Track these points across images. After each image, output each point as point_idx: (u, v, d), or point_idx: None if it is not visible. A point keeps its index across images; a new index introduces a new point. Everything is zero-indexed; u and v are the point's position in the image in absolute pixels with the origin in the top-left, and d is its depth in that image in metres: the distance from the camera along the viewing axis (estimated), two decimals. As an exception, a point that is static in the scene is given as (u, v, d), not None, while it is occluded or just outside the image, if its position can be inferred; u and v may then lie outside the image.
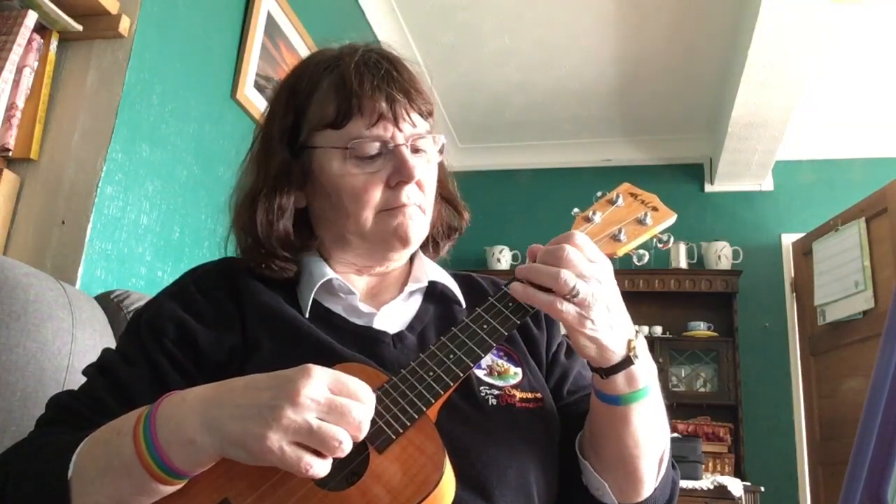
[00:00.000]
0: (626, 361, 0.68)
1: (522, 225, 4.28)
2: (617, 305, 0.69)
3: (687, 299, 3.95)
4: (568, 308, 0.65)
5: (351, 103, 0.79)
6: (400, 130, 0.80)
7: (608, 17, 3.15)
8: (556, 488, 0.77)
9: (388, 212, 0.80)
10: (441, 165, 0.91)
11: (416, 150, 0.82)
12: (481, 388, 0.76)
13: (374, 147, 0.79)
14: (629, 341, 0.69)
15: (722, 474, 3.34)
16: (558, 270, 0.65)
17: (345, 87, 0.80)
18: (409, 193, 0.80)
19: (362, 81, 0.79)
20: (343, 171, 0.79)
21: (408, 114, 0.81)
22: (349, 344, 0.77)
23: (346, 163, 0.79)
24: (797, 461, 3.70)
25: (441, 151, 0.86)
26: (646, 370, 0.70)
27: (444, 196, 0.93)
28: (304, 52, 2.29)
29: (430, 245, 0.92)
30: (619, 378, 0.68)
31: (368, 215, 0.80)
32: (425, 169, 0.83)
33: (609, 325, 0.67)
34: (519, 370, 0.80)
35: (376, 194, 0.79)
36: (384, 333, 0.80)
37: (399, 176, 0.79)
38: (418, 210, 0.82)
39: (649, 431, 0.72)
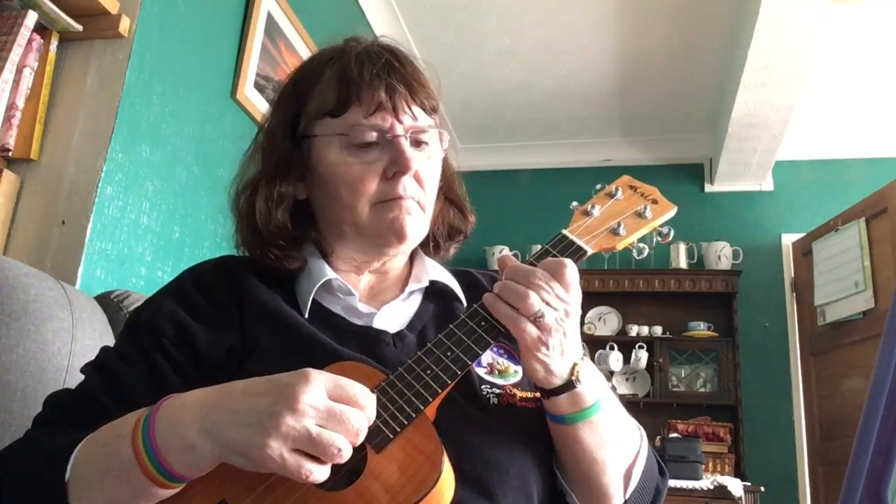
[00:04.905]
0: (569, 385, 0.68)
1: (522, 225, 4.27)
2: (574, 334, 0.69)
3: (687, 299, 3.95)
4: (530, 330, 0.66)
5: (350, 91, 0.78)
6: (399, 122, 0.79)
7: (608, 17, 3.15)
8: (554, 488, 0.77)
9: (383, 204, 0.79)
10: (447, 164, 0.89)
11: (417, 144, 0.81)
12: (483, 386, 0.76)
13: (372, 136, 0.78)
14: (574, 365, 0.69)
15: (722, 474, 3.34)
16: (527, 292, 0.65)
17: (345, 75, 0.79)
18: (405, 185, 0.79)
19: (362, 70, 0.79)
20: (340, 160, 0.79)
21: (408, 106, 0.80)
22: (349, 343, 0.76)
23: (343, 151, 0.79)
24: (797, 461, 3.70)
25: (445, 148, 0.85)
26: (592, 391, 0.70)
27: (448, 197, 0.91)
28: (304, 52, 2.29)
29: (431, 245, 0.91)
30: (562, 399, 0.69)
31: (364, 207, 0.79)
32: (425, 163, 0.81)
33: (560, 351, 0.68)
34: (519, 368, 0.79)
35: (372, 185, 0.78)
36: (384, 333, 0.79)
37: (395, 166, 0.78)
38: (416, 205, 0.80)
39: (604, 448, 0.72)
